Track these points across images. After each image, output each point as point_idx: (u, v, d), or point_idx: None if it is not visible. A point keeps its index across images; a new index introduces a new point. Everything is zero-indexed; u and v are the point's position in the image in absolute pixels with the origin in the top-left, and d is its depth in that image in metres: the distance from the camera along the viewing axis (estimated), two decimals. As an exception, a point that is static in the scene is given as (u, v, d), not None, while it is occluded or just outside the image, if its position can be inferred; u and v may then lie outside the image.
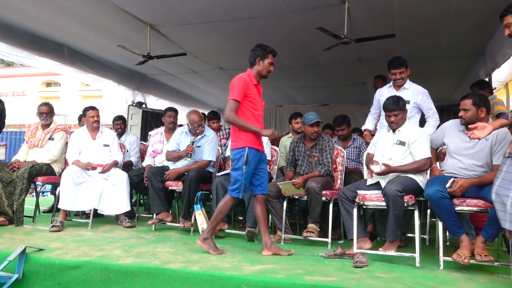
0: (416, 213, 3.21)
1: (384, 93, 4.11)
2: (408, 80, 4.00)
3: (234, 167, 3.33)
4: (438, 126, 3.73)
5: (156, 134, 5.19)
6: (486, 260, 2.86)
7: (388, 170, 3.34)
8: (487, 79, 6.66)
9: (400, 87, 3.97)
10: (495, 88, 7.21)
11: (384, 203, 3.19)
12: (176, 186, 4.36)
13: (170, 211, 4.52)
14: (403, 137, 3.42)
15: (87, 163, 4.47)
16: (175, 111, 5.24)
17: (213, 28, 5.67)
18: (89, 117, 4.72)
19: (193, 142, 4.42)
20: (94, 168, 4.47)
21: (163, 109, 9.58)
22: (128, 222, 4.48)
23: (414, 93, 3.91)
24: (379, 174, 3.37)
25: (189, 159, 4.39)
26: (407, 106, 3.75)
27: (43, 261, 2.99)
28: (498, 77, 6.83)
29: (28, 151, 4.87)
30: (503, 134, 3.07)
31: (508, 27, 2.70)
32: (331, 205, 3.82)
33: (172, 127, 5.07)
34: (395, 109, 3.43)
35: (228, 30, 5.73)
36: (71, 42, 6.68)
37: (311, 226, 3.80)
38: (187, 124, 4.66)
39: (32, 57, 6.67)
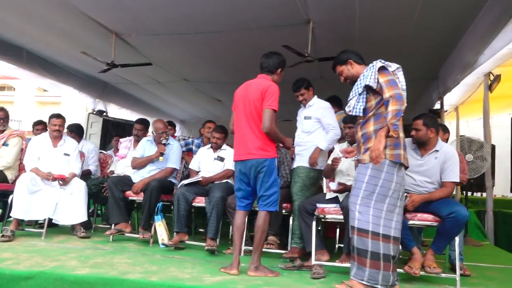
0: (372, 227, 3.33)
1: (299, 112, 4.21)
2: (315, 97, 4.06)
3: (269, 178, 3.13)
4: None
5: (125, 141, 5.25)
6: (434, 272, 3.03)
7: (343, 188, 3.47)
8: (439, 102, 7.07)
9: (306, 106, 4.06)
10: (446, 111, 7.65)
11: (341, 216, 3.31)
12: (137, 196, 4.32)
13: (130, 222, 4.45)
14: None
15: (47, 173, 4.33)
16: (141, 123, 5.19)
17: (179, 40, 5.70)
18: (51, 124, 4.57)
19: (165, 144, 4.47)
20: (55, 179, 4.34)
21: (124, 118, 9.58)
22: (83, 232, 4.35)
23: (315, 109, 3.96)
24: (335, 192, 3.51)
25: (161, 158, 4.42)
26: (308, 121, 3.90)
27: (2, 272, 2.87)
28: (449, 100, 7.26)
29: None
30: (451, 153, 3.29)
31: (341, 74, 3.14)
32: (291, 218, 3.89)
33: (136, 139, 5.05)
34: (349, 122, 3.65)
35: (194, 42, 5.78)
36: (31, 46, 6.51)
37: (271, 238, 3.86)
38: (152, 132, 4.68)
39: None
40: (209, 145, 4.62)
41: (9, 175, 4.61)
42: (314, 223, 3.44)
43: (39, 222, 4.83)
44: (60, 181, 4.36)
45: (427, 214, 3.17)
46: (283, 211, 3.91)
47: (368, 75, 2.86)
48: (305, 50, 4.91)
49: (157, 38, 5.65)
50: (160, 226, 4.05)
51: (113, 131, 8.95)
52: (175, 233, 4.06)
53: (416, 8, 4.38)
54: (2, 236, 3.97)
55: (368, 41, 5.21)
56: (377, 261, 2.63)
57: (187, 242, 4.13)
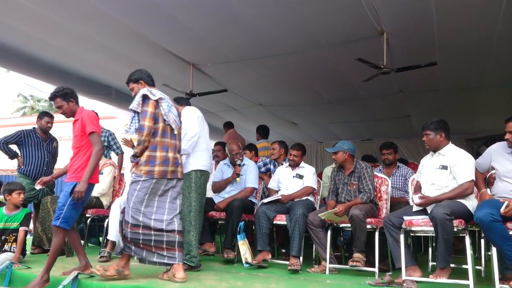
0: (467, 239, 3.08)
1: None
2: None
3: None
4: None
5: None
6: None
7: (427, 201, 3.26)
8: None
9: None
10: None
11: (432, 228, 3.10)
12: (219, 216, 4.42)
13: (213, 242, 4.55)
14: (444, 161, 3.36)
15: None
16: (219, 144, 5.42)
17: (252, 65, 5.87)
18: None
19: (239, 164, 4.58)
20: None
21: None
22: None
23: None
24: (417, 205, 3.32)
25: (238, 179, 4.54)
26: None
27: (94, 286, 3.09)
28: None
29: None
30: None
31: (132, 90, 3.47)
32: (377, 234, 3.72)
33: (216, 161, 5.22)
34: (424, 128, 3.47)
35: (267, 66, 5.91)
36: (118, 84, 7.04)
37: (357, 255, 3.70)
38: (227, 155, 4.84)
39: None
40: (287, 164, 4.63)
41: (104, 201, 4.98)
42: (402, 237, 3.26)
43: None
44: None
45: (533, 223, 2.86)
46: (368, 226, 3.75)
47: (135, 100, 3.26)
48: (381, 62, 4.78)
49: (231, 65, 5.86)
50: (243, 245, 4.08)
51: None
52: (258, 252, 4.08)
53: (501, 5, 4.08)
54: (101, 257, 4.27)
55: (449, 46, 4.95)
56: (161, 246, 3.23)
57: (270, 260, 4.12)
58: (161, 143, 3.28)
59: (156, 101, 3.27)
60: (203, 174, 3.86)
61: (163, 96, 3.35)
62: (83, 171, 3.31)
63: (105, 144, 5.47)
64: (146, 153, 3.23)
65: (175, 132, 3.40)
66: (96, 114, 3.81)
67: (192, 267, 3.64)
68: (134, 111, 3.27)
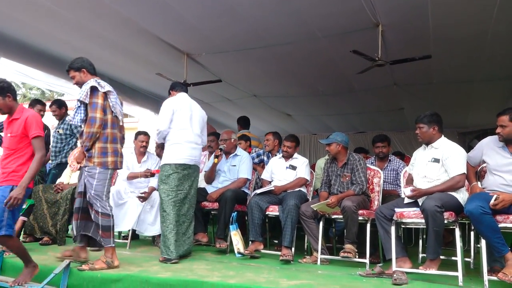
0: (457, 231, 3.12)
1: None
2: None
3: None
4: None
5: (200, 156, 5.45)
6: (535, 279, 2.73)
7: (418, 194, 3.29)
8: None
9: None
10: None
11: (423, 220, 3.13)
12: (212, 206, 4.43)
13: (206, 232, 4.56)
14: (437, 154, 3.39)
15: (146, 170, 4.68)
16: (213, 135, 5.40)
17: (247, 56, 5.84)
18: (139, 141, 4.93)
19: (220, 149, 4.62)
20: (153, 174, 4.65)
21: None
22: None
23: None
24: (409, 197, 3.35)
25: (215, 160, 4.57)
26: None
27: (86, 275, 3.10)
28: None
29: (71, 174, 5.08)
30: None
31: (73, 78, 3.42)
32: (368, 226, 3.76)
33: (210, 151, 5.23)
34: (418, 121, 3.50)
35: (262, 57, 5.88)
36: (112, 73, 6.96)
37: (348, 246, 3.73)
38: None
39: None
40: (280, 155, 4.64)
41: (96, 190, 4.96)
42: (393, 229, 3.29)
43: (122, 235, 5.15)
44: (140, 198, 4.59)
45: (522, 216, 2.90)
46: (360, 218, 3.78)
47: (82, 90, 3.24)
48: (376, 54, 4.78)
49: (226, 55, 5.83)
50: (235, 235, 4.10)
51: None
52: (250, 242, 4.10)
53: (496, 0, 4.08)
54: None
55: (444, 40, 4.96)
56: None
57: (263, 251, 4.15)
58: (111, 134, 3.34)
59: (105, 93, 3.29)
60: (179, 167, 3.80)
61: (111, 88, 3.37)
62: (17, 174, 3.06)
63: (68, 132, 5.39)
64: (98, 145, 3.27)
65: (121, 123, 3.47)
66: None
67: (167, 259, 3.61)
68: (81, 102, 3.26)
